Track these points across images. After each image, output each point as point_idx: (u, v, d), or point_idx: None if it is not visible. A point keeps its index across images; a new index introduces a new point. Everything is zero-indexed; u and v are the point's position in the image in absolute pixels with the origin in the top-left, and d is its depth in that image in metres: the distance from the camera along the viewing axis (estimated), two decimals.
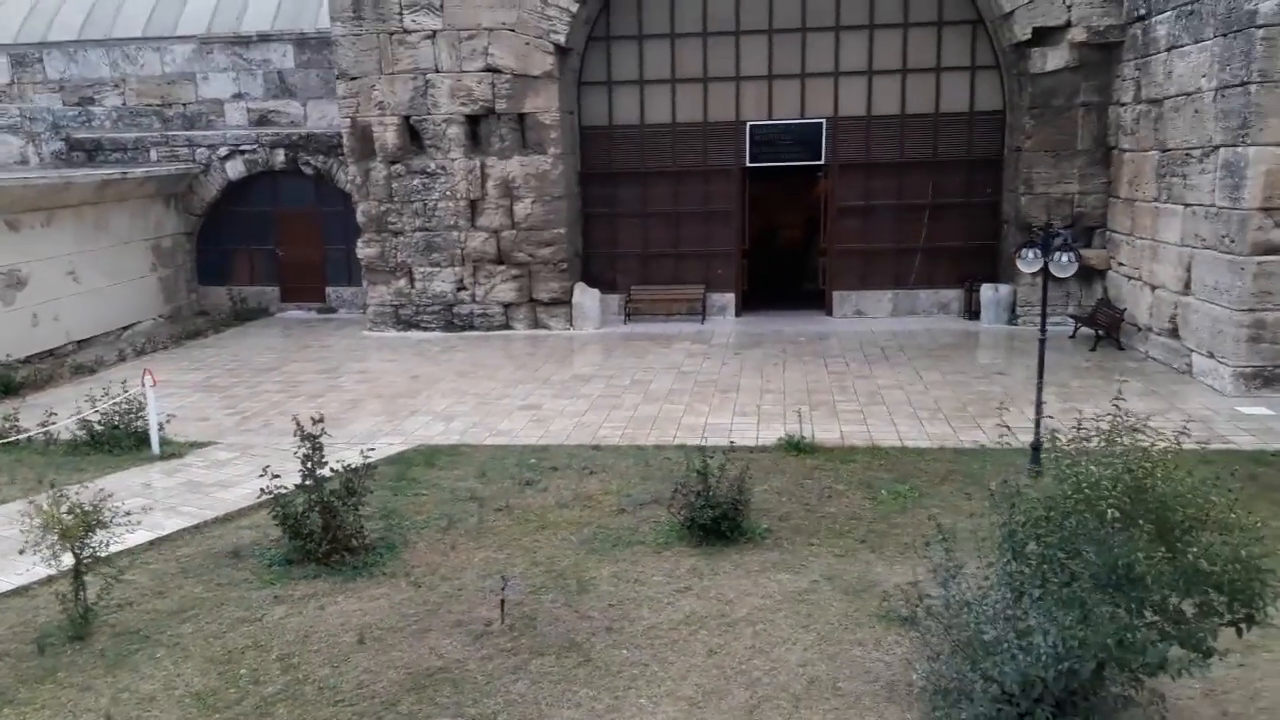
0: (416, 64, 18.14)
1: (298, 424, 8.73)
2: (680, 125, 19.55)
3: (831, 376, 15.04)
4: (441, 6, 17.86)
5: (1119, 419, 5.76)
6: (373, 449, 9.26)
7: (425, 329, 19.14)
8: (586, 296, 19.17)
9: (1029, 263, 10.06)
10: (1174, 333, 14.57)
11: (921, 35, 18.70)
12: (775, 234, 23.16)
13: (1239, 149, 12.59)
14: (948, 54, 18.73)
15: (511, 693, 6.51)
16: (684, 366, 15.94)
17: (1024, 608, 5.52)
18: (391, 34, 18.04)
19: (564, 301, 18.99)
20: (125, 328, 19.15)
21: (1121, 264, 16.65)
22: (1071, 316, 17.19)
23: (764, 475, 10.58)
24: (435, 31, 17.95)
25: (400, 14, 17.98)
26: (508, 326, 19.10)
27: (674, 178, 19.81)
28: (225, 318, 20.86)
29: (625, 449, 11.66)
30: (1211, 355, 13.42)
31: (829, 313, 19.98)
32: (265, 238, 21.69)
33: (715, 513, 8.74)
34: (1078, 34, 16.72)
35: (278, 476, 8.60)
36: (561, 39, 17.72)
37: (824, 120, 19.15)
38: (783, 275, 21.92)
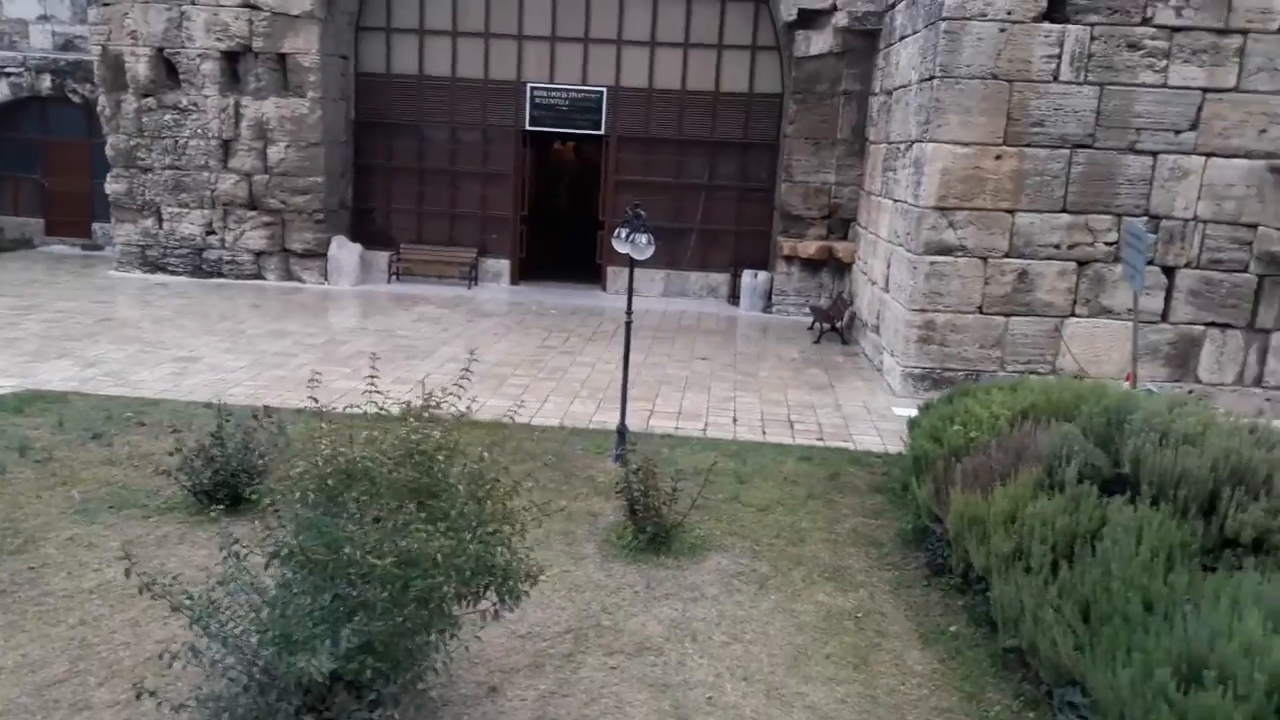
0: None
1: None
2: (460, 80, 18.90)
3: (540, 350, 14.62)
4: None
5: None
6: None
7: (172, 272, 18.39)
8: (344, 251, 18.54)
9: (621, 243, 9.70)
10: (878, 329, 14.34)
11: (705, 9, 18.21)
12: (568, 203, 22.62)
13: (924, 144, 12.29)
14: (730, 32, 18.27)
15: None
16: (399, 330, 15.43)
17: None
18: None
19: (319, 254, 18.35)
20: None
21: (859, 258, 16.39)
22: (810, 308, 16.91)
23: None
24: None
25: None
26: (260, 276, 18.42)
27: (452, 135, 19.20)
28: None
29: (238, 409, 11.09)
30: (893, 354, 13.19)
31: (604, 288, 19.56)
32: (33, 167, 20.73)
33: (216, 479, 8.29)
34: (840, 19, 16.33)
35: None
36: None
37: (604, 89, 18.62)
38: (573, 247, 21.41)
